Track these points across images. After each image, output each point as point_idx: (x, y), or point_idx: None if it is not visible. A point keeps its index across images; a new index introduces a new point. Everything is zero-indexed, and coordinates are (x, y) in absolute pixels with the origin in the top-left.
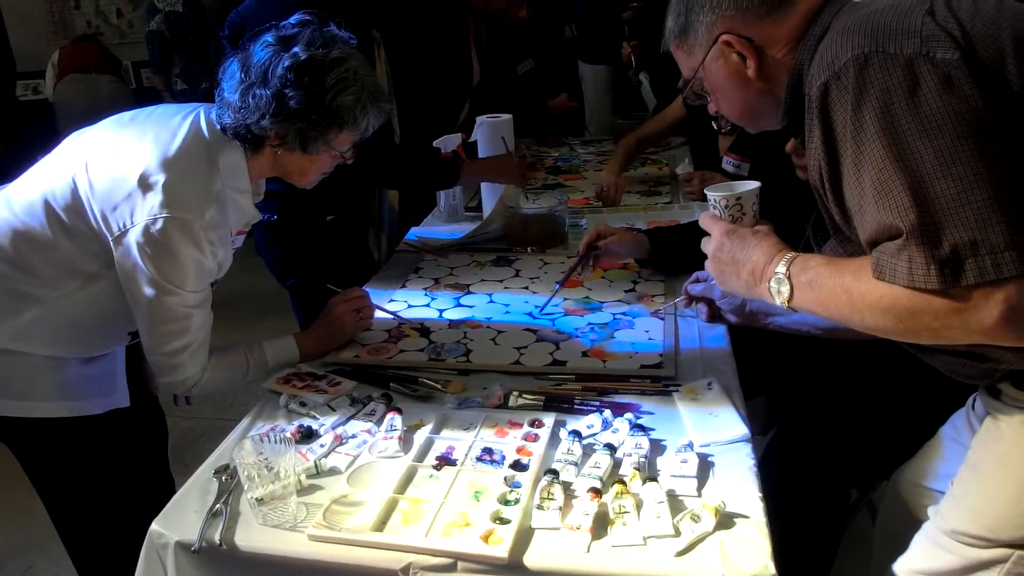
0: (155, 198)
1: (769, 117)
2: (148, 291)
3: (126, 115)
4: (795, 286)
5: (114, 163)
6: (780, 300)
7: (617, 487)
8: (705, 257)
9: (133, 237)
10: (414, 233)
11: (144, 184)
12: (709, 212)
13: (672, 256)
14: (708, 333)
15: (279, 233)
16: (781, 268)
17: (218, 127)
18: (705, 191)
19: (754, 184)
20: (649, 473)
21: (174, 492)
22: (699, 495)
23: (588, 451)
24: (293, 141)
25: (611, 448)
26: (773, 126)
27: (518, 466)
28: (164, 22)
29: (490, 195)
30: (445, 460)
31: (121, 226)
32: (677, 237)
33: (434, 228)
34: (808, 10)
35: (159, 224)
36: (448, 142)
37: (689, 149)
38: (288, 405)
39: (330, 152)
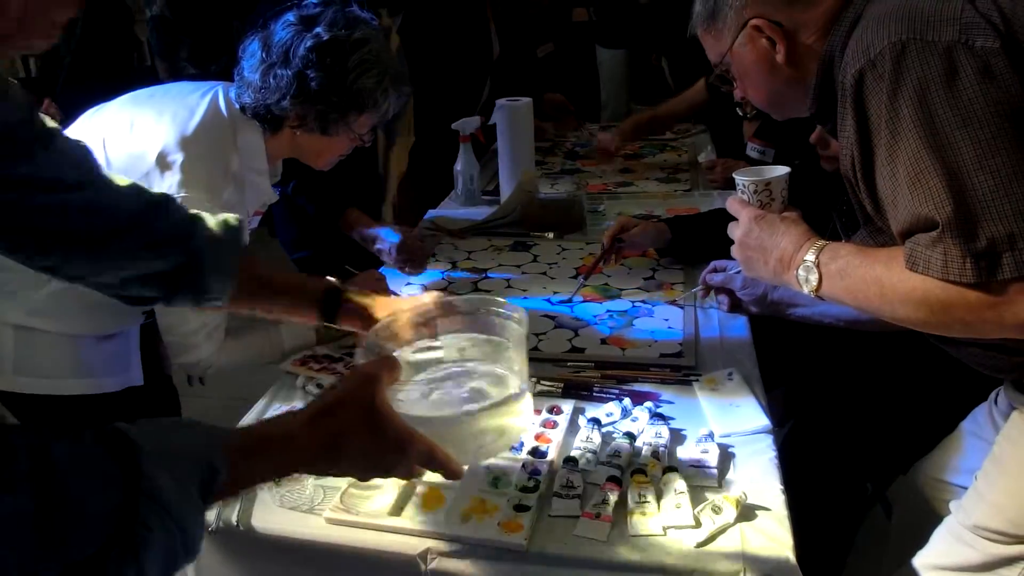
0: (173, 177)
1: (797, 104)
2: None
3: (144, 92)
4: (824, 275)
5: (132, 140)
6: (808, 288)
7: (637, 476)
8: (724, 246)
9: None
10: (431, 215)
11: (162, 162)
12: (737, 196)
13: (692, 245)
14: (728, 323)
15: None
16: (810, 256)
17: (237, 106)
18: (734, 175)
19: (784, 169)
20: (668, 463)
21: None
22: (720, 486)
23: (607, 439)
24: (313, 123)
25: (631, 436)
26: (801, 113)
27: (537, 453)
28: (166, 5)
29: (507, 180)
30: None
31: None
32: (698, 226)
33: (451, 211)
34: None
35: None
36: (467, 125)
37: (710, 136)
38: (305, 387)
39: (349, 134)
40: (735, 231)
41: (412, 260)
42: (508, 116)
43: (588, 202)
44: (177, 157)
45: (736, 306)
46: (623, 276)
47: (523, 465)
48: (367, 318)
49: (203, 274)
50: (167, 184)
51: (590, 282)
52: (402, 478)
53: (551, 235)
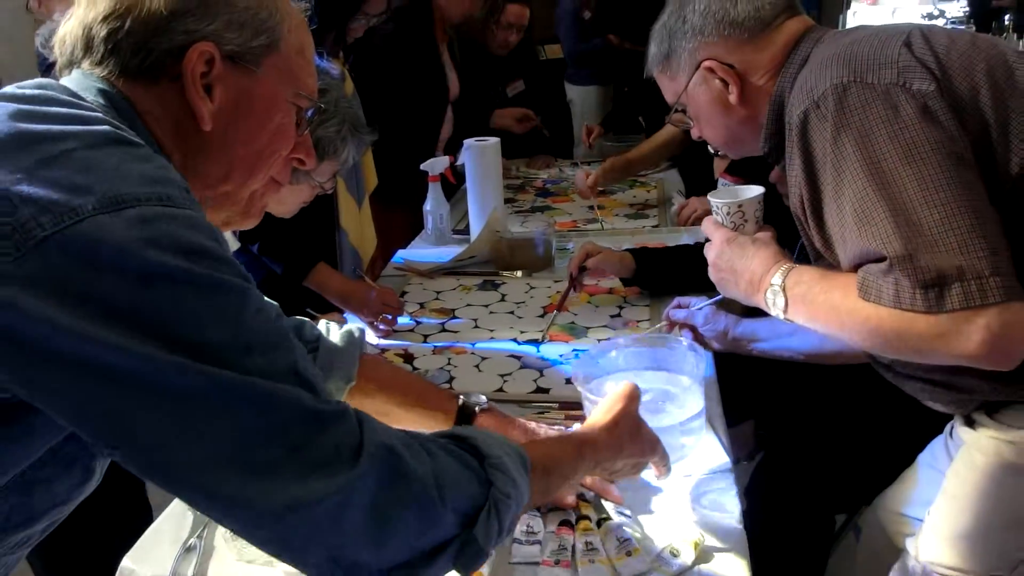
0: None
1: (751, 143)
2: None
3: None
4: (789, 298)
5: None
6: (776, 311)
7: (581, 523)
8: (689, 279)
9: None
10: (401, 256)
11: None
12: (711, 218)
13: (657, 276)
14: None
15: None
16: (777, 279)
17: None
18: (708, 197)
19: (757, 190)
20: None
21: (152, 521)
22: (678, 527)
23: None
24: None
25: None
26: (756, 152)
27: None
28: None
29: (477, 219)
30: None
31: None
32: (662, 258)
33: (421, 251)
34: (789, 38)
35: None
36: (435, 165)
37: (679, 172)
38: None
39: (310, 182)
40: (709, 252)
41: (387, 314)
42: (476, 155)
43: (557, 240)
44: None
45: (698, 342)
46: (589, 314)
47: None
48: None
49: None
50: None
51: (557, 320)
52: (637, 472)
53: (519, 274)
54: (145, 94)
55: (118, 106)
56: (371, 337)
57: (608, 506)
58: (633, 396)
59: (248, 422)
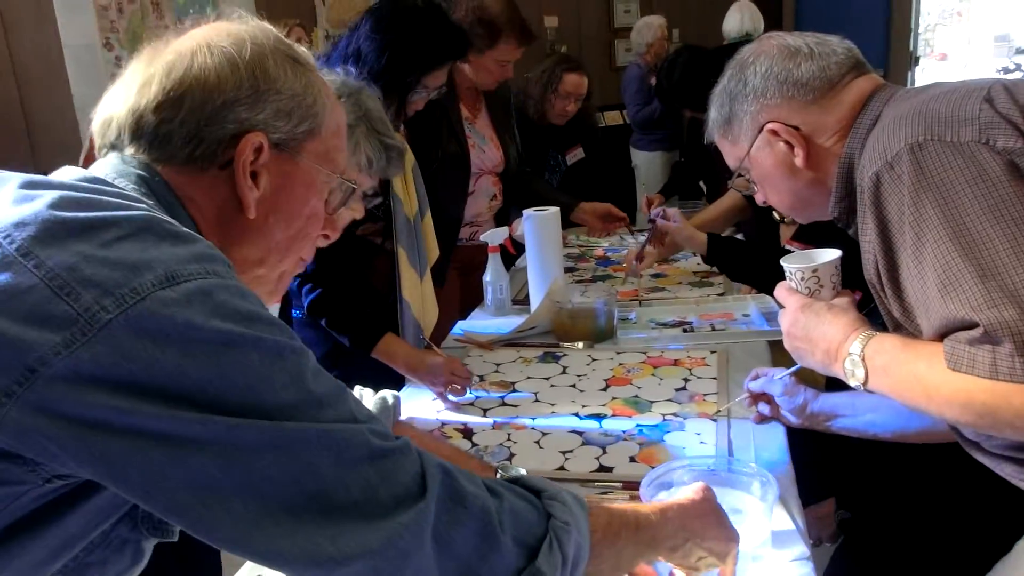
0: None
1: (820, 207)
2: None
3: None
4: (869, 369)
5: None
6: (855, 383)
7: None
8: (766, 272)
9: None
10: (461, 328)
11: None
12: (785, 284)
13: (734, 258)
14: (764, 439)
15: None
16: (856, 348)
17: None
18: (781, 262)
19: (834, 253)
20: None
21: None
22: None
23: None
24: None
25: None
26: (824, 216)
27: None
28: None
29: (537, 289)
30: None
31: None
32: (737, 245)
33: (481, 322)
34: (858, 98)
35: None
36: (495, 236)
37: (744, 238)
38: None
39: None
40: (783, 320)
41: (456, 384)
42: (536, 225)
43: (619, 310)
44: None
45: (775, 416)
46: (653, 387)
47: None
48: None
49: None
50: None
51: (620, 394)
52: (716, 567)
53: (581, 345)
54: (188, 181)
55: (158, 193)
56: (436, 409)
57: None
58: (708, 490)
59: (327, 470)
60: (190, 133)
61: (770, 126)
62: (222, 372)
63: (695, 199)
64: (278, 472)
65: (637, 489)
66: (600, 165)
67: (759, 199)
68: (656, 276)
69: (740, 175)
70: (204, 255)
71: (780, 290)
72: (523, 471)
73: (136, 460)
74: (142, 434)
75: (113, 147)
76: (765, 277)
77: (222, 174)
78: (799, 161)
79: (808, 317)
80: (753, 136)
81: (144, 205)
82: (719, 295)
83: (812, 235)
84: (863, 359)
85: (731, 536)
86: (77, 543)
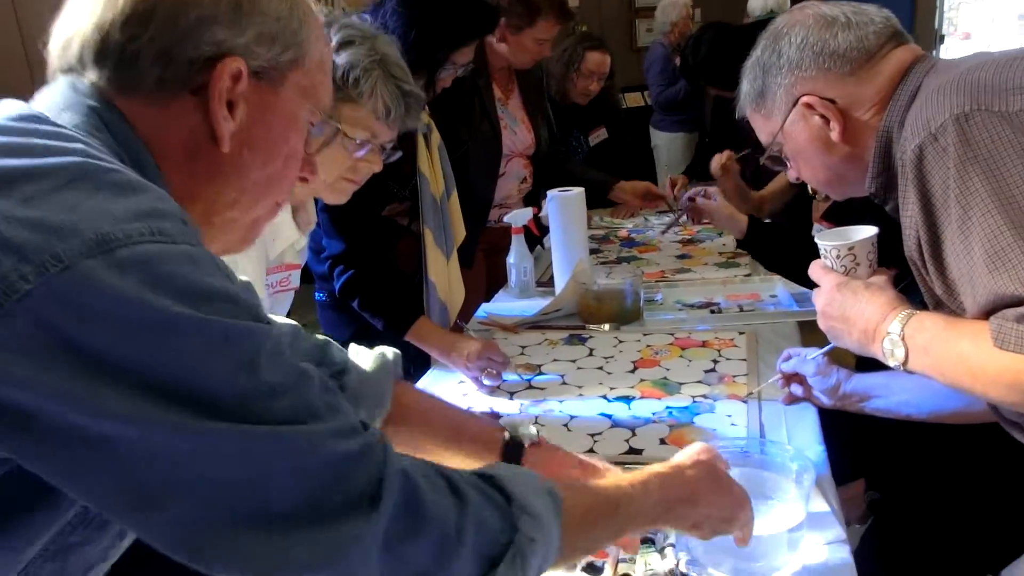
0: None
1: (855, 183)
2: None
3: None
4: (910, 348)
5: None
6: (895, 363)
7: None
8: (802, 258)
9: None
10: (485, 310)
11: None
12: (819, 262)
13: (772, 245)
14: (796, 420)
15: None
16: (895, 328)
17: None
18: (815, 239)
19: (870, 230)
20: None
21: None
22: None
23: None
24: None
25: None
26: (860, 192)
27: (592, 569)
28: None
29: (561, 270)
30: None
31: None
32: (777, 232)
33: (505, 304)
34: (897, 70)
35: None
36: (518, 216)
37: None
38: None
39: (346, 145)
40: (817, 299)
41: (492, 368)
42: (560, 206)
43: (645, 291)
44: None
45: (807, 396)
46: (682, 368)
47: None
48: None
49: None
50: None
51: (648, 375)
52: (728, 531)
53: (607, 327)
54: (152, 114)
55: (112, 127)
56: (462, 392)
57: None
58: (709, 451)
59: (272, 476)
60: (160, 51)
61: (805, 99)
62: (157, 359)
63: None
64: (216, 475)
65: None
66: (622, 146)
67: (791, 175)
68: (681, 257)
69: (773, 151)
70: (151, 211)
71: (815, 268)
72: (533, 430)
73: (55, 454)
74: (60, 426)
75: (70, 70)
76: (801, 268)
77: (192, 102)
78: (835, 135)
79: (845, 296)
80: (787, 110)
81: (81, 145)
82: (746, 276)
83: (843, 213)
84: (903, 339)
85: (734, 502)
86: (51, 524)
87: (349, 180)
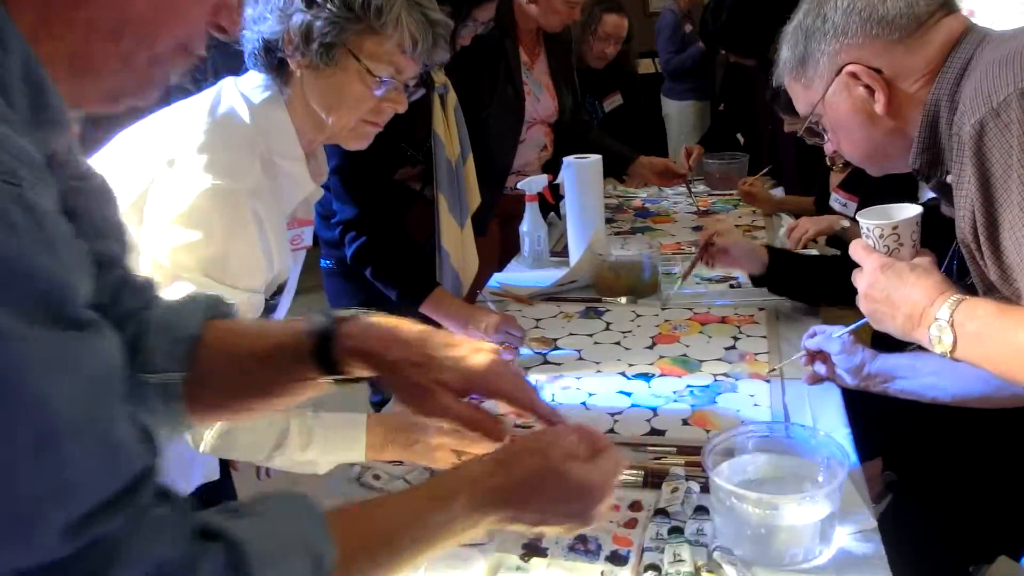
0: (189, 165)
1: (898, 158)
2: None
3: None
4: (959, 336)
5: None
6: (941, 350)
7: None
8: (827, 293)
9: None
10: (497, 280)
11: (171, 155)
12: (861, 241)
13: (790, 279)
14: (820, 400)
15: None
16: (943, 313)
17: (247, 91)
18: (857, 217)
19: (915, 209)
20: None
21: None
22: None
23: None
24: (309, 48)
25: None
26: (901, 169)
27: (616, 558)
28: None
29: (576, 240)
30: (533, 549)
31: None
32: (799, 263)
33: (517, 274)
34: (947, 39)
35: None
36: (533, 184)
37: (784, 191)
38: (361, 478)
39: (359, 68)
40: (859, 280)
41: (511, 340)
42: (577, 174)
43: (662, 263)
44: (188, 144)
45: (831, 376)
46: (703, 345)
47: (600, 573)
48: (377, 357)
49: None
50: (179, 178)
51: (668, 352)
52: (585, 526)
53: (624, 300)
54: None
55: None
56: None
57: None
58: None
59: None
60: None
61: (850, 68)
62: None
63: (732, 151)
64: None
65: (692, 455)
66: (636, 114)
67: (829, 148)
68: (697, 229)
69: (811, 123)
70: None
71: (856, 248)
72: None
73: None
74: None
75: None
76: (830, 289)
77: None
78: (879, 107)
79: (889, 278)
80: (829, 79)
81: None
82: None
83: (861, 183)
84: (951, 325)
85: (578, 497)
86: None
87: (371, 123)
